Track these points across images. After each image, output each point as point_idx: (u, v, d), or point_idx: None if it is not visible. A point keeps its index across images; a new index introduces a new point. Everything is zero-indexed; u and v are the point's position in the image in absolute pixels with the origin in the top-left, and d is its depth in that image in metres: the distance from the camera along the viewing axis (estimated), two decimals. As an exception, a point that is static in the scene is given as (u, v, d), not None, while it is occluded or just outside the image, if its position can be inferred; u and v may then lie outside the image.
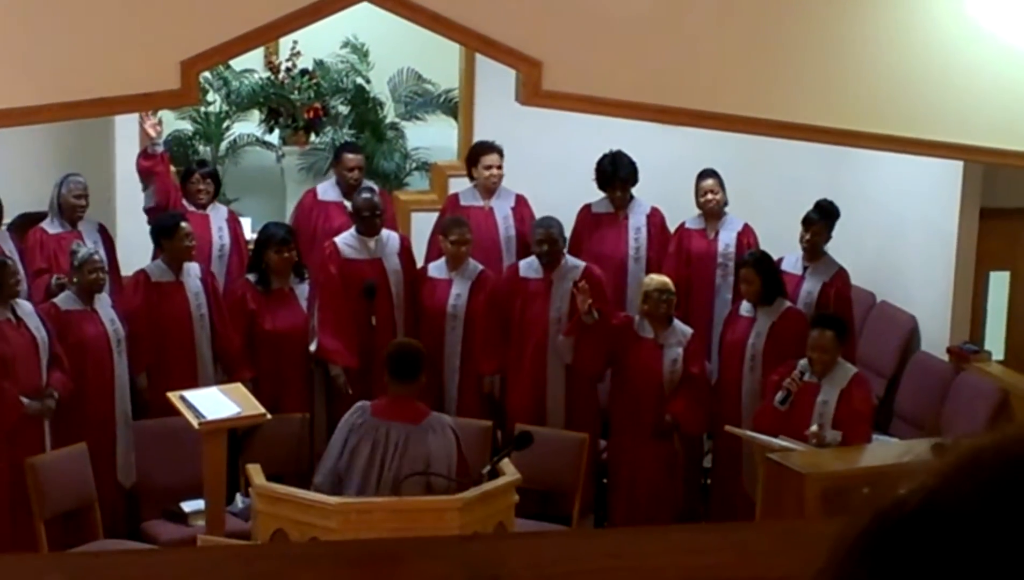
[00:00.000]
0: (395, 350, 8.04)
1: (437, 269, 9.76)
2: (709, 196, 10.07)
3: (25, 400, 8.63)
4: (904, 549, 1.14)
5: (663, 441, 9.28)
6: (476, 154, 10.37)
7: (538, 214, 10.03)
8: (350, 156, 10.44)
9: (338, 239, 9.71)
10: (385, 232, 9.80)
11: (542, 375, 9.59)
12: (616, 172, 10.07)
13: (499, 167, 10.25)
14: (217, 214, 10.19)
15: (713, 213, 10.11)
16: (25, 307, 8.81)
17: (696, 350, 9.33)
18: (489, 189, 10.27)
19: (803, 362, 8.79)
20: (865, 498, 1.19)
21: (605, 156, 10.12)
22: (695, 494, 9.65)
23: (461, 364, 9.68)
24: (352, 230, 9.74)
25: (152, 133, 9.83)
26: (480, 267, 9.76)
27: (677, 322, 9.35)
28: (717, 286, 10.11)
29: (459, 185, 10.99)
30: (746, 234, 10.10)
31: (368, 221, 9.65)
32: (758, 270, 9.30)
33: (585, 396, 9.56)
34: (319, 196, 10.45)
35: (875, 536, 1.17)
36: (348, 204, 10.27)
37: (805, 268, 9.80)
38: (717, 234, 10.15)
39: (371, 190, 10.02)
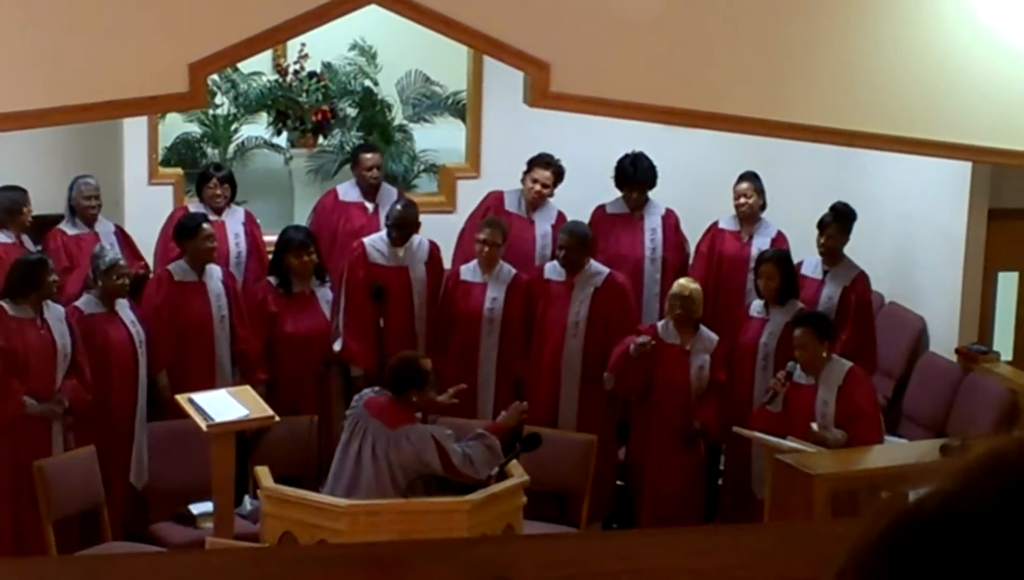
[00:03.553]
0: (392, 363, 8.16)
1: (470, 272, 9.65)
2: (742, 200, 10.02)
3: (30, 400, 8.63)
4: (923, 552, 1.14)
5: (690, 448, 9.25)
6: (531, 164, 10.18)
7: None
8: (367, 156, 10.42)
9: (367, 240, 9.67)
10: (416, 238, 9.75)
11: (557, 378, 9.57)
12: (635, 173, 10.04)
13: (545, 185, 10.07)
14: (234, 219, 10.16)
15: (746, 217, 10.07)
16: (56, 311, 8.81)
17: (723, 356, 9.30)
18: (531, 202, 10.19)
19: (792, 362, 8.80)
20: (884, 501, 1.19)
21: (627, 156, 10.07)
22: (709, 496, 9.62)
23: (498, 368, 9.63)
24: (383, 234, 9.71)
25: None
26: (514, 270, 9.67)
27: (703, 328, 9.31)
28: (748, 291, 10.02)
29: (467, 187, 10.99)
30: (779, 241, 10.01)
31: (403, 234, 9.63)
32: (779, 267, 9.31)
33: (598, 400, 9.51)
34: (340, 197, 10.40)
35: (894, 539, 1.16)
36: (369, 205, 10.27)
37: (825, 272, 9.76)
38: (751, 238, 10.09)
39: (410, 204, 9.90)
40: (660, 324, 9.34)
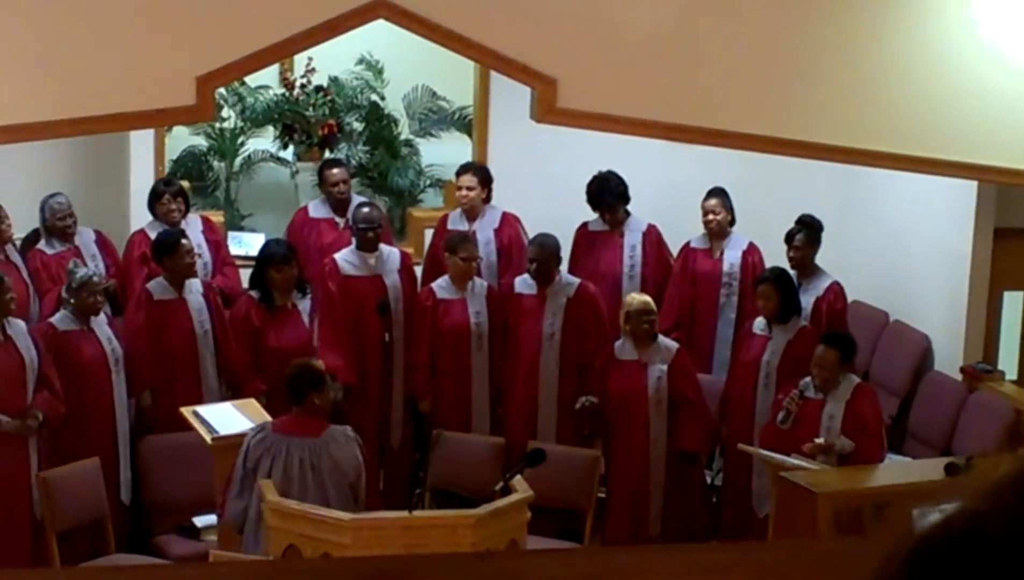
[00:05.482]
0: (287, 372, 8.08)
1: (444, 289, 9.65)
2: (711, 216, 10.07)
3: (2, 417, 8.53)
4: (950, 572, 1.14)
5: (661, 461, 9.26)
6: (456, 177, 10.34)
7: (551, 230, 10.02)
8: (333, 171, 10.46)
9: (338, 256, 9.70)
10: (385, 248, 9.78)
11: (534, 391, 9.58)
12: (602, 194, 10.06)
13: (470, 188, 10.15)
14: (193, 230, 10.04)
15: (715, 233, 10.11)
16: (17, 327, 8.69)
17: (683, 366, 9.26)
18: (467, 212, 10.22)
19: (805, 380, 8.79)
20: (911, 518, 1.20)
21: (594, 178, 10.10)
22: (702, 511, 9.59)
23: (490, 382, 9.61)
24: (352, 246, 9.73)
25: None
26: (485, 283, 9.74)
27: (662, 338, 9.30)
28: (721, 305, 10.06)
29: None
30: (751, 253, 10.07)
31: (364, 234, 9.63)
32: (777, 287, 9.29)
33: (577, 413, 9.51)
34: (310, 213, 10.47)
35: (921, 558, 1.17)
36: (339, 220, 10.29)
37: (800, 285, 9.77)
38: (722, 253, 10.13)
39: (370, 205, 9.99)
40: (617, 344, 9.32)
